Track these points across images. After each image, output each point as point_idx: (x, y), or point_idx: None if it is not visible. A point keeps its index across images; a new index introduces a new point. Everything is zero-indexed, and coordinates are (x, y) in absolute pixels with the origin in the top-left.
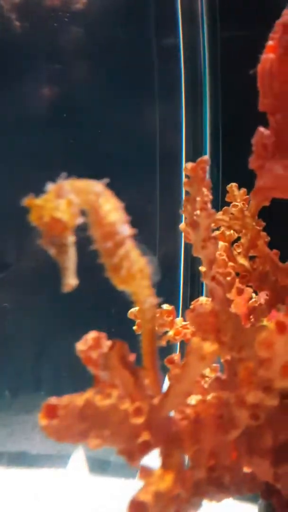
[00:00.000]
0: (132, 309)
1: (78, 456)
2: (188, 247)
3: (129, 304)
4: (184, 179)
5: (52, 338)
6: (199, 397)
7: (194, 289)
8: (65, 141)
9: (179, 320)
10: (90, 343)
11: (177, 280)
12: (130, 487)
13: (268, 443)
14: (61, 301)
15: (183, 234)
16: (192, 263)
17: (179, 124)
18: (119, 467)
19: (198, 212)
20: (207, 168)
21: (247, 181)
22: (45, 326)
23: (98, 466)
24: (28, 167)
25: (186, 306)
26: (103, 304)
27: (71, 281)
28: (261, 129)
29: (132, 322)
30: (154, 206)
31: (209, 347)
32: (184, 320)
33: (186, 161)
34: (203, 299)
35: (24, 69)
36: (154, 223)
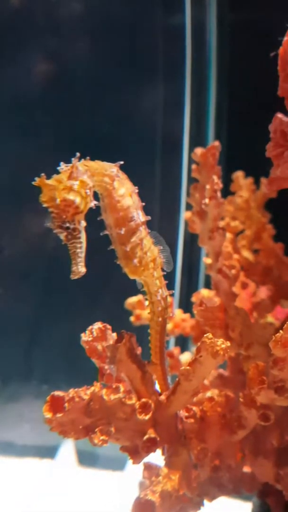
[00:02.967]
0: (129, 299)
1: (67, 448)
2: (186, 237)
3: (126, 292)
4: (192, 166)
5: (45, 325)
6: (201, 394)
7: (191, 280)
8: (60, 121)
9: (177, 312)
10: (96, 334)
11: (174, 270)
12: (118, 479)
13: (274, 444)
14: (54, 287)
15: (181, 224)
16: (190, 253)
17: (182, 108)
18: (108, 459)
19: (206, 200)
20: (218, 154)
21: (252, 169)
22: (38, 312)
23: (87, 458)
24: (21, 147)
25: (182, 298)
26: (97, 291)
27: (80, 268)
28: (280, 115)
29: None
30: (152, 193)
31: (222, 343)
32: (184, 313)
33: (189, 146)
34: (204, 291)
35: (20, 44)
36: (152, 211)
